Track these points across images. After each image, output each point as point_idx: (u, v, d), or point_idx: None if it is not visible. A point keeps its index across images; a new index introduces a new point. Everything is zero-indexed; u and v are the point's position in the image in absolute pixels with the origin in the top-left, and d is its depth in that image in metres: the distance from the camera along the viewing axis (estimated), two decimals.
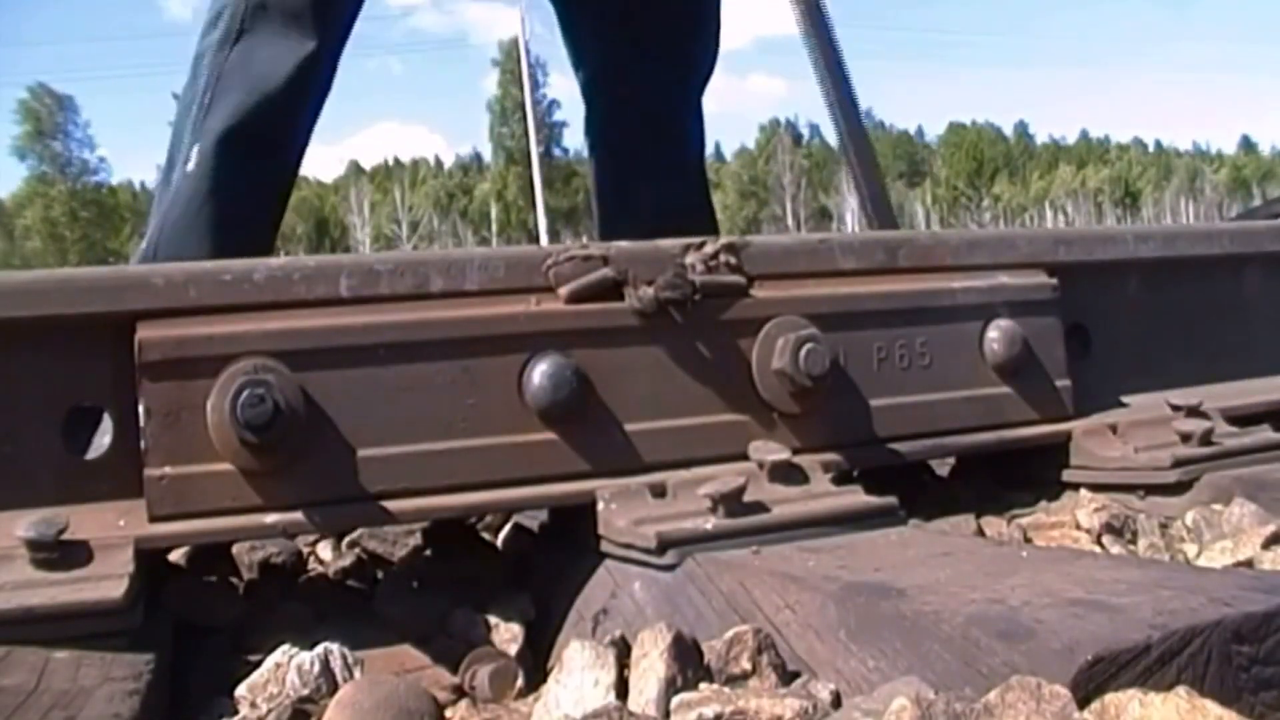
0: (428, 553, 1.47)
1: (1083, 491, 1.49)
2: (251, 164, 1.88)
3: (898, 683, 0.77)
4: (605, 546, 1.19)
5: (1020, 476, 1.57)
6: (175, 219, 1.85)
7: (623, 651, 0.93)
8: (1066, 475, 1.54)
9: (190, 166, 1.84)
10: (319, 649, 1.00)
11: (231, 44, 1.85)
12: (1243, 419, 1.59)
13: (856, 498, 1.22)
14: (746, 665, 0.89)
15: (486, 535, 1.58)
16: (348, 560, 1.49)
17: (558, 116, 58.41)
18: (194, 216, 1.84)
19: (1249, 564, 1.19)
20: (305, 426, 1.15)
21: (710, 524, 1.13)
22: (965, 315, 1.49)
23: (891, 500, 1.21)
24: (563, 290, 1.28)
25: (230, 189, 1.87)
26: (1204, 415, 1.53)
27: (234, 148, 1.85)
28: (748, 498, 1.16)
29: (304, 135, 1.96)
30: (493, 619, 1.18)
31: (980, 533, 1.41)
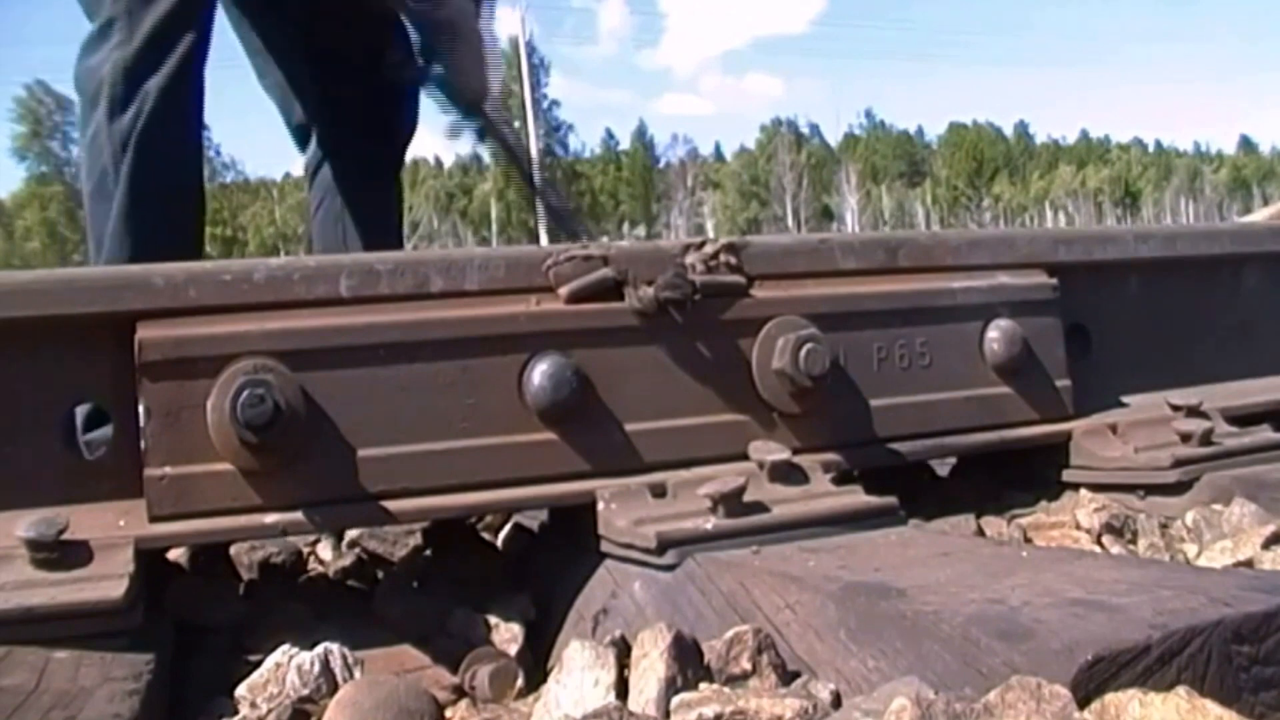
0: (428, 553, 1.47)
1: (1083, 491, 1.49)
2: (171, 215, 1.92)
3: (898, 683, 0.77)
4: (605, 546, 1.19)
5: (1020, 476, 1.57)
6: None
7: (623, 651, 0.93)
8: (1066, 475, 1.54)
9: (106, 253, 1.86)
10: (319, 649, 1.00)
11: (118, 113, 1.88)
12: (1243, 419, 1.59)
13: (856, 498, 1.22)
14: (746, 665, 0.89)
15: (486, 535, 1.58)
16: (348, 560, 1.49)
17: (559, 117, 58.55)
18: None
19: (1249, 564, 1.19)
20: (305, 426, 1.15)
21: (710, 524, 1.13)
22: (965, 315, 1.49)
23: (891, 500, 1.21)
24: (563, 290, 1.28)
25: (168, 246, 1.85)
26: (1204, 415, 1.53)
27: (152, 213, 1.88)
28: (748, 498, 1.16)
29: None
30: (493, 619, 1.18)
31: (980, 533, 1.41)
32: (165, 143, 1.89)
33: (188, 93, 1.92)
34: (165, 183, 1.89)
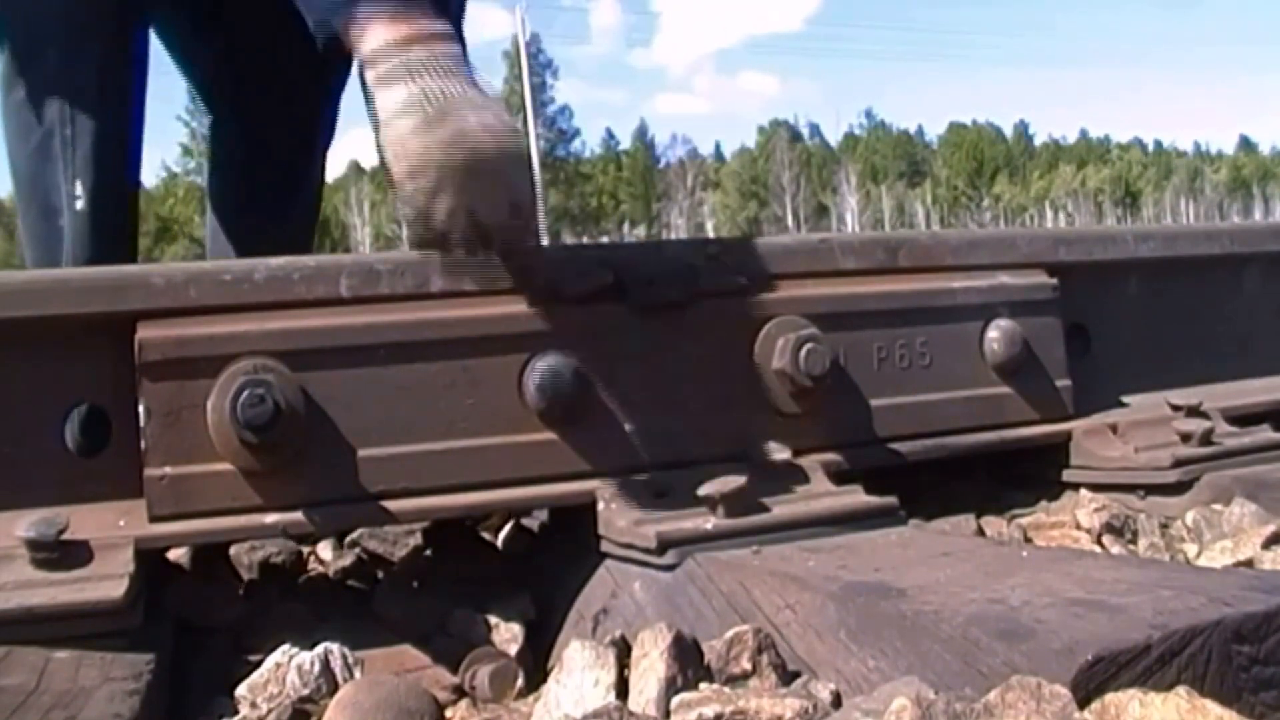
0: (428, 553, 1.47)
1: (1083, 491, 1.49)
2: (122, 179, 1.87)
3: (898, 683, 0.77)
4: (605, 546, 1.19)
5: (1020, 476, 1.57)
6: (85, 259, 1.76)
7: (623, 651, 0.93)
8: (1066, 475, 1.54)
9: (80, 205, 1.77)
10: (319, 649, 1.00)
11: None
12: (1243, 419, 1.59)
13: (856, 498, 1.22)
14: (746, 665, 0.89)
15: (486, 535, 1.58)
16: (348, 560, 1.49)
17: (564, 119, 58.52)
18: (104, 245, 1.79)
19: (1249, 564, 1.19)
20: (305, 426, 1.15)
21: (710, 524, 1.13)
22: (965, 315, 1.49)
23: (891, 500, 1.21)
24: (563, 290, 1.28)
25: (122, 209, 1.85)
26: (1204, 415, 1.53)
27: (109, 168, 1.82)
28: (748, 498, 1.16)
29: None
30: (493, 619, 1.18)
31: (980, 533, 1.41)
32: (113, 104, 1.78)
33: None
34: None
